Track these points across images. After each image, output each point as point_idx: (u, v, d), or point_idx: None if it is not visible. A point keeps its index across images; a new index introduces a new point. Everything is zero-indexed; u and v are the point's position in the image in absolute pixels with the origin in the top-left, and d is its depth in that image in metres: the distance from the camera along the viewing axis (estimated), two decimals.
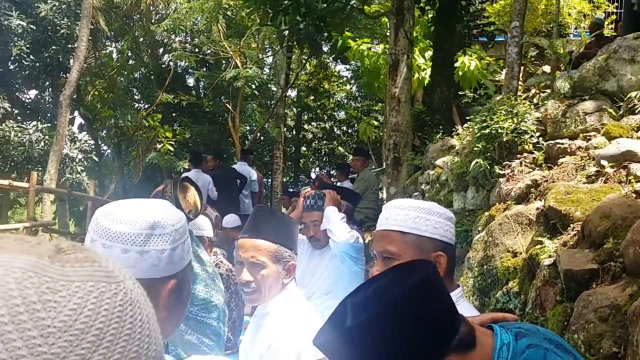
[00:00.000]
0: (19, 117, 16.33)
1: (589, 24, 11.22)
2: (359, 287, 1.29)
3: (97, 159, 17.38)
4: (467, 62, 9.80)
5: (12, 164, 14.33)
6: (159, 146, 18.35)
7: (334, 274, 3.69)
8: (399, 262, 1.69)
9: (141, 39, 18.77)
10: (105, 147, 20.94)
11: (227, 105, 18.55)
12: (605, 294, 2.39)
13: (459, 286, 1.82)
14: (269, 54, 19.96)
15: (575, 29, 14.02)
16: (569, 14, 12.66)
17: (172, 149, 17.72)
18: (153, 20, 17.72)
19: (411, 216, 1.75)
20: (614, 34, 11.05)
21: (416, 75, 10.12)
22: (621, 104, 4.25)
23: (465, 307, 1.77)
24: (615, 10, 13.66)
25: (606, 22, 12.79)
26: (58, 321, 0.51)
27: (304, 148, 24.33)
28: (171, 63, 19.66)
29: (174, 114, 20.68)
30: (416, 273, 1.24)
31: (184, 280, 1.52)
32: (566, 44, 12.39)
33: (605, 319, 2.31)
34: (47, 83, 16.74)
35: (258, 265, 2.32)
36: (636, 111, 4.03)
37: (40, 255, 0.54)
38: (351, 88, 23.61)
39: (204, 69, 19.18)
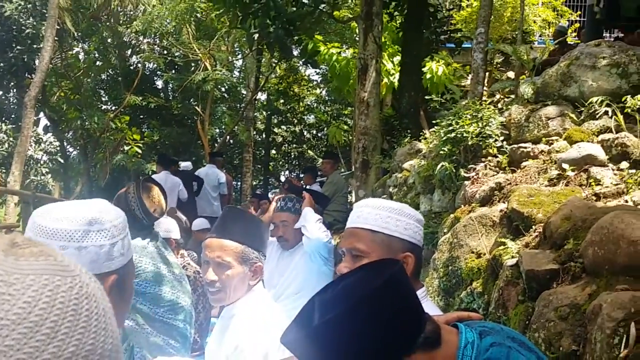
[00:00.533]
0: None
1: (553, 31, 11.46)
2: (328, 285, 1.31)
3: (62, 161, 17.11)
4: (435, 67, 9.94)
5: None
6: (126, 148, 18.15)
7: (303, 273, 3.72)
8: (368, 260, 1.71)
9: (109, 40, 18.54)
10: (71, 149, 20.61)
11: (197, 107, 18.45)
12: (565, 294, 2.45)
13: (422, 286, 1.85)
14: (239, 57, 19.93)
15: (540, 36, 14.30)
16: (534, 22, 12.93)
17: (139, 151, 17.55)
18: (121, 22, 17.53)
19: (382, 216, 1.77)
20: (578, 41, 11.31)
21: (385, 79, 10.21)
22: (582, 109, 4.35)
23: (429, 307, 1.80)
24: (578, 19, 13.97)
25: (570, 30, 13.08)
26: (11, 314, 0.51)
27: (273, 151, 24.30)
28: (139, 65, 19.48)
29: (141, 116, 20.47)
30: (384, 272, 1.25)
31: (125, 276, 1.51)
32: (530, 50, 12.63)
33: (565, 317, 2.37)
34: (12, 84, 16.45)
35: (224, 265, 2.31)
36: (597, 116, 4.14)
37: None
38: (321, 92, 23.68)
39: (173, 71, 19.05)
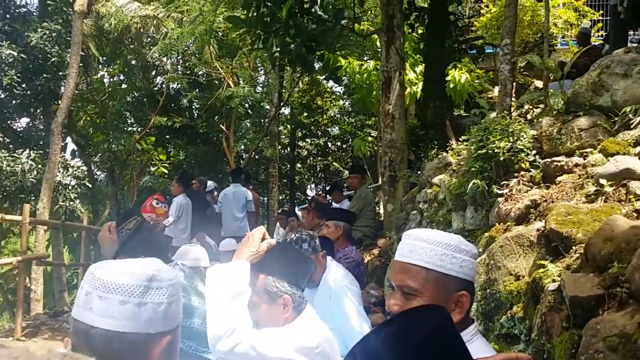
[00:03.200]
0: (10, 146, 16.30)
1: (577, 33, 11.28)
2: (370, 334, 1.27)
3: (90, 185, 17.34)
4: (458, 75, 9.84)
5: (5, 194, 14.27)
6: (153, 169, 18.34)
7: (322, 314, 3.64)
8: (420, 300, 1.66)
9: (133, 63, 18.80)
10: (98, 173, 20.91)
11: (221, 125, 18.56)
12: (614, 322, 2.36)
13: (474, 321, 1.78)
14: (262, 73, 20.01)
15: (562, 37, 14.13)
16: (555, 24, 12.76)
17: (166, 171, 17.71)
18: (144, 44, 17.76)
19: (437, 252, 1.70)
20: (602, 41, 11.13)
21: (408, 89, 10.15)
22: (616, 119, 4.25)
23: (480, 345, 1.73)
24: (601, 18, 13.76)
25: (593, 30, 12.89)
26: None
27: (298, 165, 24.32)
28: (163, 85, 19.70)
29: (167, 136, 20.69)
30: (430, 321, 1.21)
31: (176, 338, 1.50)
32: (555, 54, 12.46)
33: (614, 348, 2.28)
34: (39, 111, 16.75)
35: (253, 301, 2.31)
36: (631, 126, 4.03)
37: None
38: (344, 103, 23.66)
39: (197, 90, 19.21)
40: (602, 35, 13.34)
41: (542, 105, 5.71)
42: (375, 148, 15.00)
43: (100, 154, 19.45)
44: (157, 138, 19.11)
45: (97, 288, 1.39)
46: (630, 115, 4.06)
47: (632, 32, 10.60)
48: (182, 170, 15.53)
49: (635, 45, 8.92)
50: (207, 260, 5.27)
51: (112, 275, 1.40)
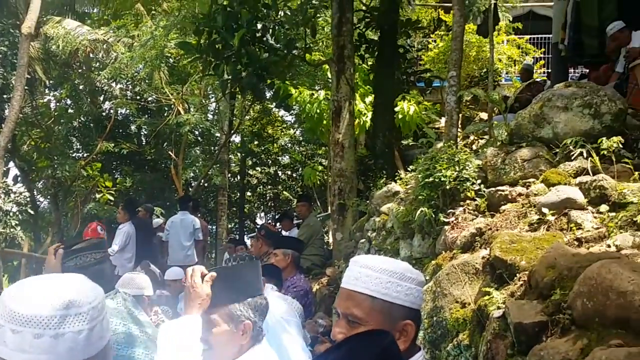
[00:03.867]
0: None
1: (520, 69, 11.69)
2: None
3: (32, 212, 16.76)
4: (407, 107, 10.03)
5: None
6: (98, 196, 17.90)
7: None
8: (364, 328, 1.64)
9: (81, 87, 18.45)
10: (41, 199, 20.27)
11: (170, 152, 18.33)
12: (557, 348, 2.40)
13: (420, 349, 1.77)
14: (212, 100, 19.94)
15: (506, 73, 14.64)
16: (500, 60, 13.22)
17: (112, 198, 17.30)
18: (93, 68, 17.47)
19: (383, 280, 1.68)
20: (544, 78, 11.57)
21: (358, 119, 10.27)
22: (557, 150, 4.38)
23: None
24: (543, 56, 14.33)
25: (535, 67, 13.39)
26: None
27: (248, 193, 24.20)
28: (112, 111, 19.37)
29: (114, 163, 20.30)
30: (376, 345, 1.21)
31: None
32: (499, 88, 12.86)
33: None
34: None
35: (210, 322, 2.25)
36: (572, 157, 4.16)
37: None
38: (295, 132, 23.77)
39: (146, 116, 18.96)
40: (544, 72, 13.89)
41: (486, 137, 5.85)
42: (325, 177, 15.08)
43: (43, 180, 18.87)
44: (104, 164, 18.70)
45: (9, 321, 1.28)
46: (570, 147, 4.19)
47: (572, 70, 11.06)
48: (128, 198, 15.22)
49: (576, 81, 9.30)
50: (151, 289, 5.15)
51: (25, 306, 1.29)
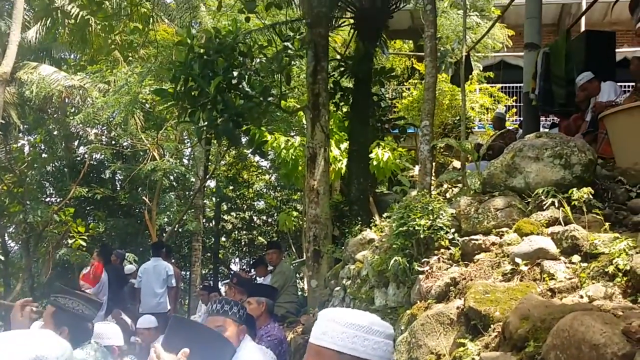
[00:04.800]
0: None
1: (492, 117, 11.91)
2: None
3: (3, 257, 16.39)
4: (381, 153, 10.13)
5: None
6: (70, 242, 17.60)
7: None
8: None
9: (55, 132, 18.34)
10: (12, 244, 19.85)
11: (144, 197, 18.19)
12: None
13: None
14: (188, 145, 19.93)
15: (479, 121, 14.90)
16: (472, 108, 13.48)
17: (84, 244, 17.01)
18: (68, 113, 17.41)
19: (349, 335, 1.66)
20: (517, 126, 11.79)
21: (333, 165, 10.33)
22: (529, 200, 4.43)
23: None
24: (515, 104, 14.64)
25: (508, 115, 13.67)
26: None
27: (223, 239, 24.00)
28: (86, 156, 19.24)
29: (87, 208, 20.05)
30: None
31: None
32: (472, 136, 13.07)
33: None
34: None
35: None
36: (544, 207, 4.21)
37: None
38: (270, 178, 23.79)
39: (121, 162, 18.85)
40: (516, 120, 14.18)
41: (460, 185, 5.92)
42: (301, 222, 15.04)
43: (15, 225, 18.52)
44: (77, 209, 18.45)
45: None
46: (542, 196, 4.24)
47: (544, 118, 11.31)
48: (103, 244, 14.99)
49: (547, 129, 9.50)
50: (122, 339, 5.04)
51: None
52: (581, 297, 3.16)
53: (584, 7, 14.52)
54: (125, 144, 18.23)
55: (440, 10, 12.37)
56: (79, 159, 19.49)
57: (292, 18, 11.14)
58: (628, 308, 2.85)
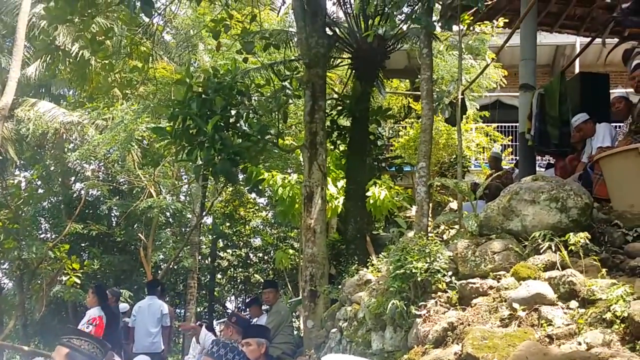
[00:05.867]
0: None
1: (489, 157, 11.96)
2: None
3: None
4: (378, 192, 10.13)
5: None
6: (64, 279, 17.43)
7: None
8: None
9: (52, 168, 18.33)
10: (6, 281, 19.66)
11: (140, 234, 18.10)
12: None
13: None
14: (185, 181, 19.93)
15: (476, 160, 14.96)
16: (468, 147, 13.55)
17: (78, 281, 16.83)
18: (66, 150, 17.45)
19: None
20: (513, 165, 11.85)
21: (329, 203, 10.32)
22: (526, 243, 4.43)
23: None
24: (510, 143, 14.73)
25: (504, 154, 13.75)
26: None
27: (219, 276, 23.82)
28: (82, 192, 19.20)
29: (82, 244, 19.92)
30: None
31: None
32: (469, 175, 13.12)
33: None
34: None
35: None
36: (541, 251, 4.20)
37: None
38: (267, 214, 23.74)
39: (117, 198, 18.81)
40: (512, 159, 14.25)
41: (457, 226, 5.91)
42: (297, 260, 14.96)
43: (9, 262, 18.35)
44: (72, 246, 18.29)
45: None
46: (539, 240, 4.24)
47: (540, 158, 11.36)
48: (99, 282, 14.86)
49: (543, 169, 9.54)
50: None
51: None
52: (579, 344, 3.13)
53: (578, 49, 14.73)
54: (122, 180, 18.22)
55: (435, 51, 12.53)
56: (75, 195, 19.45)
57: (289, 58, 11.28)
58: (627, 356, 2.82)
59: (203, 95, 8.61)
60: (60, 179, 18.59)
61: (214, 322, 16.43)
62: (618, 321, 3.12)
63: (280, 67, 11.18)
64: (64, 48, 12.09)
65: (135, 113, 14.37)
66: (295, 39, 10.48)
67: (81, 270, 17.10)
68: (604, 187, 5.53)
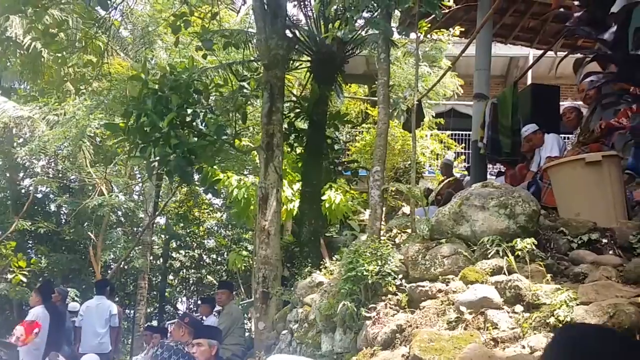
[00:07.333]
0: None
1: (441, 164, 12.16)
2: None
3: None
4: (333, 196, 10.18)
5: None
6: (10, 276, 16.93)
7: None
8: None
9: (0, 163, 17.79)
10: None
11: (90, 233, 17.72)
12: None
13: None
14: (138, 180, 19.60)
15: (430, 166, 15.19)
16: (423, 153, 13.75)
17: (24, 279, 16.38)
18: (16, 144, 16.95)
19: None
20: (465, 172, 12.06)
21: (285, 206, 10.31)
22: (475, 247, 4.51)
23: None
24: (463, 151, 15.01)
25: (457, 161, 13.99)
26: None
27: (171, 277, 23.49)
28: (31, 188, 18.69)
29: (30, 242, 19.38)
30: None
31: None
32: (422, 180, 13.29)
33: None
34: None
35: None
36: (489, 255, 4.28)
37: None
38: (222, 216, 23.54)
39: (67, 195, 18.37)
40: (465, 166, 14.51)
41: (409, 230, 5.98)
42: (251, 262, 14.88)
43: None
44: (19, 243, 17.81)
45: None
46: (487, 245, 4.32)
47: (491, 166, 11.60)
48: (45, 281, 14.45)
49: (494, 177, 9.74)
50: None
51: None
52: (523, 347, 3.20)
53: (530, 61, 15.10)
54: (72, 177, 17.80)
55: (393, 58, 12.67)
56: (23, 191, 18.91)
57: (248, 58, 11.23)
58: None
59: (159, 93, 8.48)
60: (8, 174, 18.04)
61: (166, 323, 16.18)
62: (561, 325, 3.20)
63: (238, 67, 11.12)
64: (15, 40, 11.75)
65: (88, 109, 14.07)
66: (255, 40, 10.45)
67: (27, 269, 16.67)
68: (552, 196, 5.68)
